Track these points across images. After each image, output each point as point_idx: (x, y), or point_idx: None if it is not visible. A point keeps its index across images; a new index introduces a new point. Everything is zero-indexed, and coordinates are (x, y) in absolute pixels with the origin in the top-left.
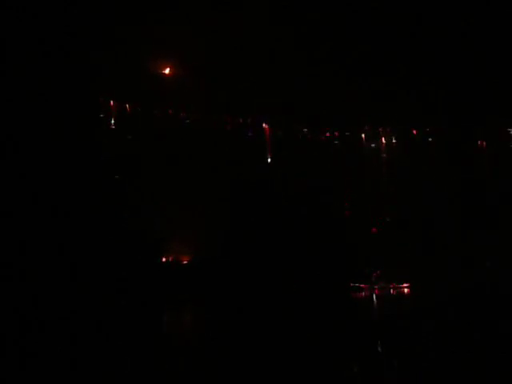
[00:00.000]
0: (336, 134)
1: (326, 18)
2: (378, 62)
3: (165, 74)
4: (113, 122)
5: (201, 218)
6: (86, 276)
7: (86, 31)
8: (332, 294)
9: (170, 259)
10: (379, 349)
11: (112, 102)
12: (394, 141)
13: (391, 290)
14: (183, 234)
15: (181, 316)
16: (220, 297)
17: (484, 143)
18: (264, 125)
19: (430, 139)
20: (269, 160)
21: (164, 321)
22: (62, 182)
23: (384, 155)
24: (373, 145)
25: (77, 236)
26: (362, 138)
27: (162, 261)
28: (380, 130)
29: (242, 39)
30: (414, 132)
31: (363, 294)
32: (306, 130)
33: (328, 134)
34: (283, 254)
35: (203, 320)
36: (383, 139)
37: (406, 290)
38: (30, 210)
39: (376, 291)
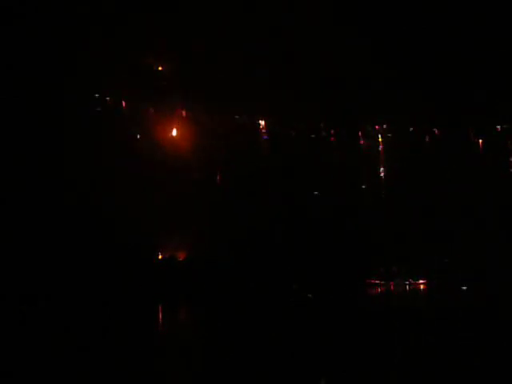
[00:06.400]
0: (332, 131)
1: (325, 17)
2: (377, 62)
3: (162, 72)
4: (110, 120)
5: (198, 216)
6: (82, 275)
7: (85, 29)
8: (347, 291)
9: (167, 256)
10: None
11: (109, 99)
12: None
13: (407, 287)
14: (180, 231)
15: (177, 313)
16: (223, 293)
17: (480, 140)
18: (261, 122)
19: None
20: (268, 157)
21: (160, 318)
22: (60, 183)
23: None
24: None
25: (72, 234)
26: (359, 135)
27: (158, 258)
28: (377, 128)
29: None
30: (411, 129)
31: (379, 290)
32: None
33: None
34: (291, 251)
35: (201, 318)
36: (380, 137)
37: (422, 287)
38: (28, 211)
39: (392, 288)
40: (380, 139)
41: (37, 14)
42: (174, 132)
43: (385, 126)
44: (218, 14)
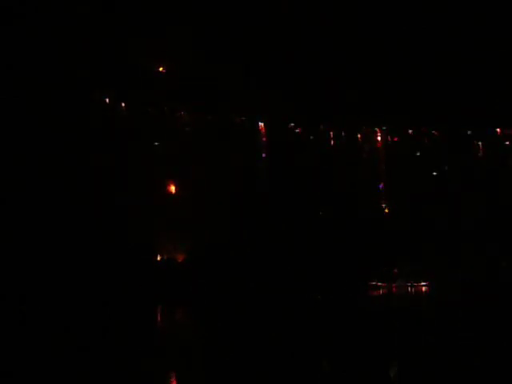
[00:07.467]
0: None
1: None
2: (374, 64)
3: (160, 72)
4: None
5: (198, 217)
6: (82, 275)
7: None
8: (349, 292)
9: (165, 257)
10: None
11: (107, 100)
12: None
13: (409, 288)
14: (178, 232)
15: (176, 313)
16: (223, 293)
17: (480, 143)
18: (260, 123)
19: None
20: (266, 157)
21: (159, 319)
22: (60, 183)
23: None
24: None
25: (72, 234)
26: (359, 137)
27: (156, 259)
28: (377, 129)
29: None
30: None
31: (381, 291)
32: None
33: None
34: (291, 252)
35: (201, 318)
36: (379, 138)
37: (423, 288)
38: (28, 211)
39: (394, 289)
40: (380, 140)
41: (37, 13)
42: (173, 133)
43: (384, 128)
44: (218, 14)
